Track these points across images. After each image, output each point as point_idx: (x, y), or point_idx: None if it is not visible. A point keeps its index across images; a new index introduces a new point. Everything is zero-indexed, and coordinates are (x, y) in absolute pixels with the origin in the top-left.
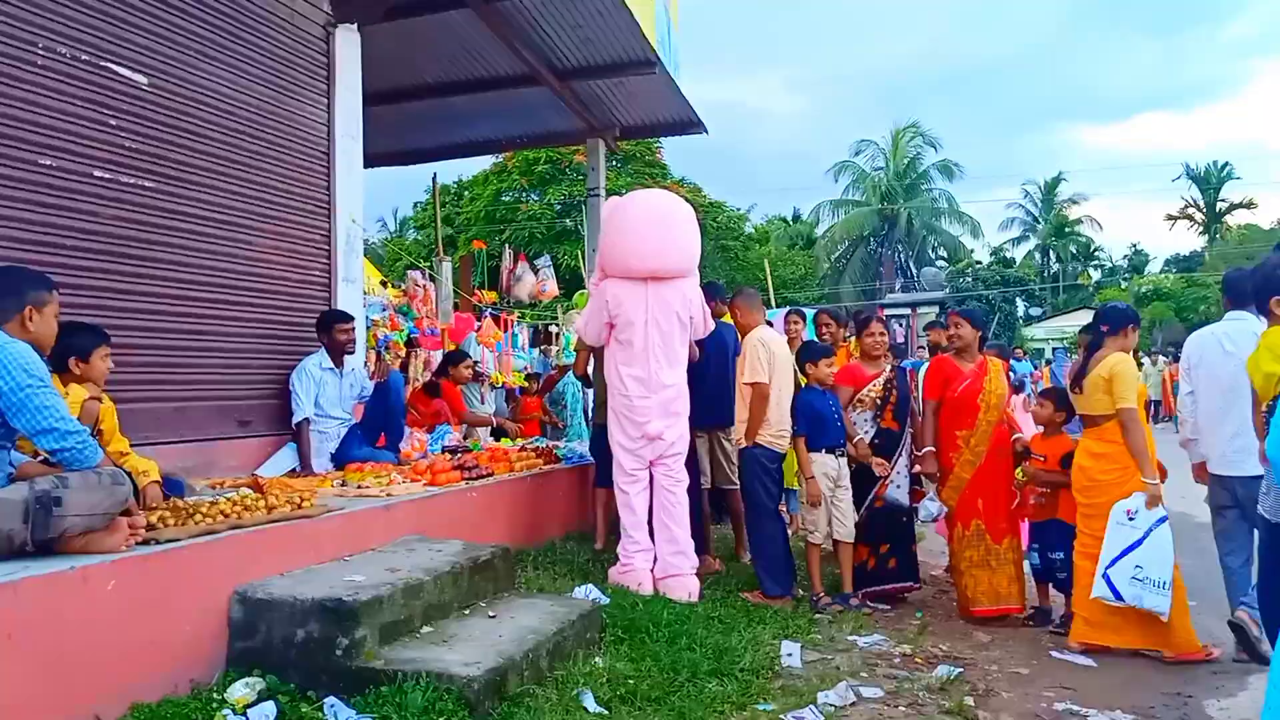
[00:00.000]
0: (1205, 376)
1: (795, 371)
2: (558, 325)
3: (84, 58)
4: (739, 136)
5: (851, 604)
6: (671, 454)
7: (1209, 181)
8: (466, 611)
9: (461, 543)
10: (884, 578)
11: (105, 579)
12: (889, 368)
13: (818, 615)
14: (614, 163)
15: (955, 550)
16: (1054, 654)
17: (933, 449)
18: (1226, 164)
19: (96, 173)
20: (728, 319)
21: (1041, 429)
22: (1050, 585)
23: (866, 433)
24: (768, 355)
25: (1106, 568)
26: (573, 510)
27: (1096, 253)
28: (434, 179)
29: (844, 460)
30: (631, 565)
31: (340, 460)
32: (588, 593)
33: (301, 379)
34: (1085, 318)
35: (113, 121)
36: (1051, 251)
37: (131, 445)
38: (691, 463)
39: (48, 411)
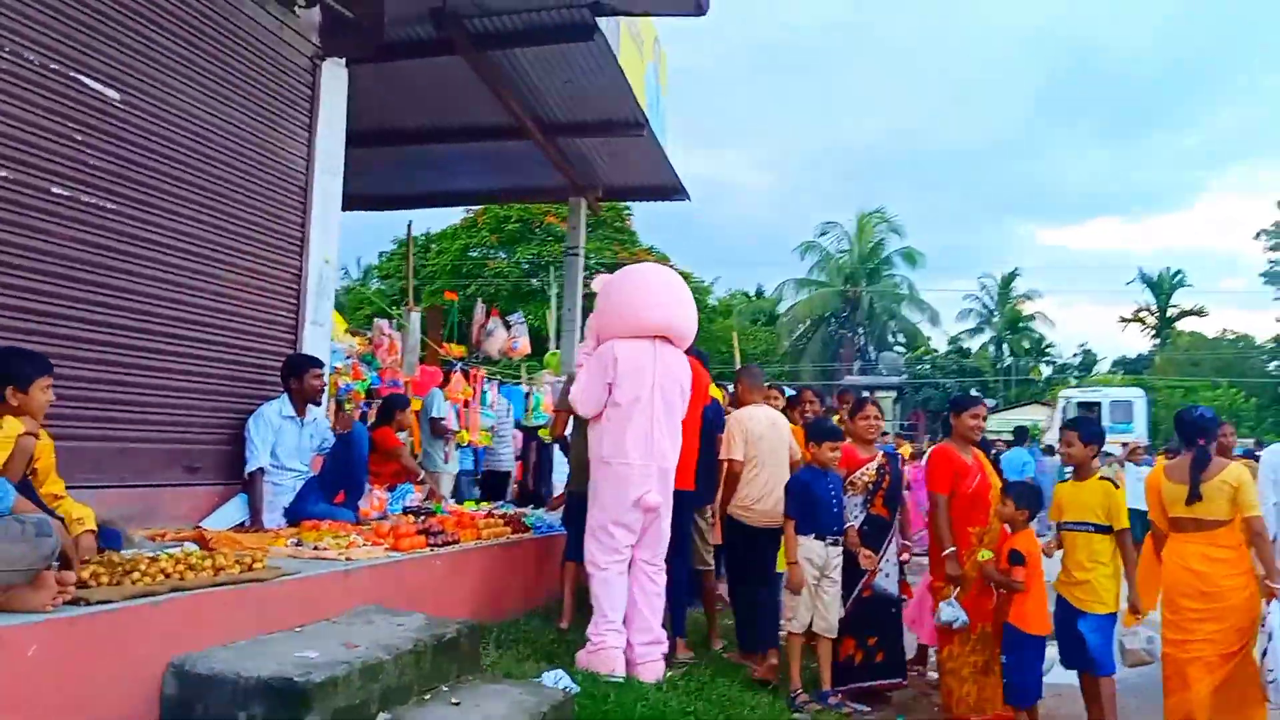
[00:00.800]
0: None
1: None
2: (526, 385)
3: (53, 67)
4: (706, 208)
5: (830, 703)
6: (660, 534)
7: (1161, 287)
8: (427, 696)
9: (425, 617)
10: (869, 673)
11: (24, 643)
12: (881, 452)
13: (795, 715)
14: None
15: (956, 654)
16: None
17: (954, 549)
18: (1179, 271)
19: (55, 189)
20: (714, 393)
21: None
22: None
23: (856, 518)
24: (744, 433)
25: None
26: (537, 584)
27: (1048, 349)
28: (409, 227)
29: (836, 549)
30: (603, 644)
31: (294, 516)
32: (558, 679)
33: (259, 425)
34: (1037, 413)
35: (78, 136)
36: (1005, 345)
37: (67, 488)
38: (682, 543)
39: None
